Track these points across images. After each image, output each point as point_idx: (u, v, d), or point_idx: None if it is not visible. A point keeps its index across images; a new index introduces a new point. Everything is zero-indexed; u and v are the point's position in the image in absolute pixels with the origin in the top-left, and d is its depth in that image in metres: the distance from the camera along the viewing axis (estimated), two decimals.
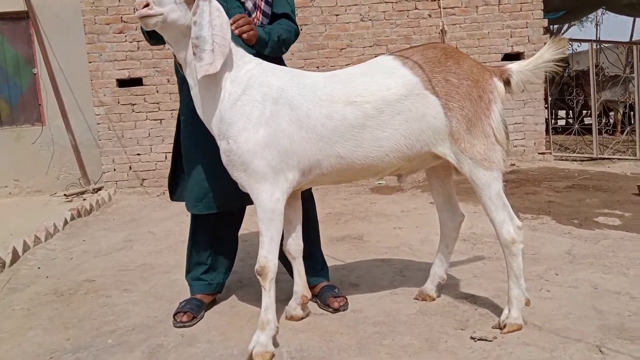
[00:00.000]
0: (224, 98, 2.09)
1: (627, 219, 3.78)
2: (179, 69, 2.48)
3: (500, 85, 2.19)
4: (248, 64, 2.15)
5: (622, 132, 8.30)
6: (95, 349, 2.26)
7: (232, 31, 2.18)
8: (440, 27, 6.69)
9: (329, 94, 2.09)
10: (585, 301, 2.41)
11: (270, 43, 2.40)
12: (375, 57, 6.46)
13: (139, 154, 6.47)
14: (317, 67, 6.62)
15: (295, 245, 2.38)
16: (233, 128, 2.05)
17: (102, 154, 6.47)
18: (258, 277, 2.12)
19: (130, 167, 6.48)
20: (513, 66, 2.24)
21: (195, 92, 2.15)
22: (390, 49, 6.70)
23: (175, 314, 2.46)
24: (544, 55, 2.19)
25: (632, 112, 8.98)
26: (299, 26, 2.61)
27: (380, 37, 6.70)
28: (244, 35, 2.29)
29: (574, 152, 7.26)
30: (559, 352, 1.97)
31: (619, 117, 8.88)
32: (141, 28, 2.44)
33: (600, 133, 7.23)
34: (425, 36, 6.74)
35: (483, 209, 2.19)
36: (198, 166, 2.51)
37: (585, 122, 8.15)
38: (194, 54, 2.02)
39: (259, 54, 2.34)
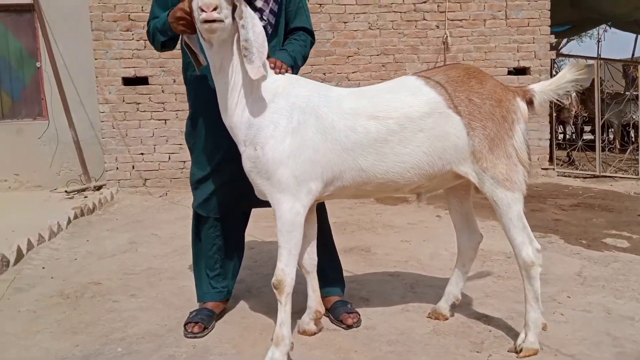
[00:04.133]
0: (253, 104, 2.08)
1: (635, 241, 3.78)
2: (189, 70, 2.46)
3: (523, 105, 2.19)
4: (274, 74, 2.15)
5: (621, 150, 8.35)
6: (105, 357, 2.23)
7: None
8: (444, 39, 6.70)
9: (353, 107, 2.10)
10: (600, 326, 2.40)
11: (296, 67, 2.43)
12: (383, 66, 6.48)
13: (142, 154, 6.44)
14: (324, 74, 6.61)
15: (310, 260, 2.37)
16: (261, 135, 2.05)
17: (105, 152, 6.42)
18: (274, 290, 2.10)
19: (133, 167, 6.43)
20: (536, 86, 2.24)
21: (224, 97, 2.13)
22: (397, 58, 6.71)
23: (186, 324, 2.43)
24: (565, 76, 2.19)
25: (633, 130, 9.06)
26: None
27: (388, 46, 6.70)
28: None
29: (577, 168, 7.28)
30: None
31: (618, 135, 8.96)
32: (149, 32, 2.41)
33: (602, 150, 7.25)
34: (432, 47, 6.75)
35: (502, 230, 2.18)
36: (207, 168, 2.50)
37: (585, 138, 8.18)
38: (245, 56, 1.99)
39: None
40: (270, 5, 2.38)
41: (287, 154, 2.03)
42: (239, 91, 2.10)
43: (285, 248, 2.08)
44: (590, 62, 7.18)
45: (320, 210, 2.54)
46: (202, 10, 1.89)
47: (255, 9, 2.33)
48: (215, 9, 1.88)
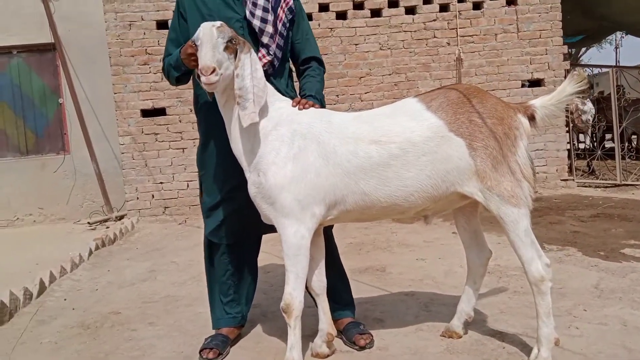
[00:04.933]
0: (256, 133, 2.16)
1: None
2: (200, 100, 2.54)
3: (525, 121, 2.21)
4: (279, 102, 2.24)
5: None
6: None
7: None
8: (457, 55, 6.73)
9: (355, 132, 2.14)
10: (615, 339, 2.37)
11: (323, 103, 2.50)
12: (395, 85, 6.51)
13: (161, 183, 6.57)
14: (337, 96, 6.69)
15: (319, 282, 2.39)
16: (263, 161, 2.12)
17: (125, 182, 6.57)
18: (283, 314, 2.14)
19: (153, 196, 6.56)
20: (537, 102, 2.25)
21: (230, 128, 2.23)
22: (409, 77, 6.76)
23: (201, 351, 2.46)
24: (566, 89, 2.19)
25: None
26: None
27: (399, 65, 6.76)
28: None
29: (597, 178, 7.18)
30: None
31: None
32: (164, 69, 2.52)
33: (623, 158, 7.13)
34: (444, 64, 6.79)
35: (511, 246, 2.18)
36: (215, 196, 2.56)
37: (607, 147, 8.07)
38: (238, 103, 2.11)
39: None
40: (277, 40, 2.46)
41: (289, 179, 2.08)
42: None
43: (292, 272, 2.12)
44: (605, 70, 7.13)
45: (327, 234, 2.57)
46: (202, 73, 2.01)
47: (262, 44, 2.42)
48: (213, 72, 2.00)
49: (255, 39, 2.43)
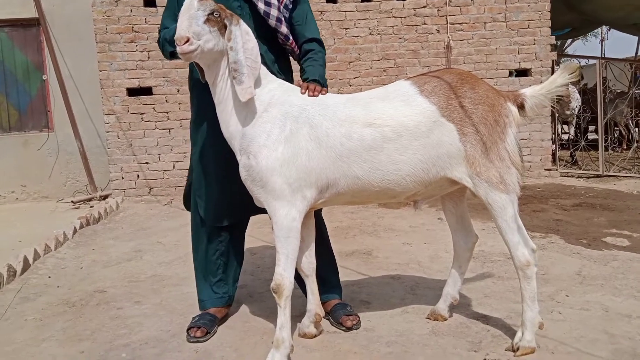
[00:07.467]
0: (247, 115, 2.13)
1: (635, 240, 3.79)
2: (194, 75, 2.52)
3: (514, 109, 2.22)
4: (271, 83, 2.21)
5: (627, 148, 8.34)
6: None
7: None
8: (446, 43, 6.74)
9: (348, 114, 2.13)
10: (597, 324, 2.42)
11: (326, 86, 2.45)
12: (384, 70, 6.46)
13: (147, 163, 6.51)
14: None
15: (308, 264, 2.41)
16: (254, 144, 2.09)
17: (110, 162, 6.50)
18: (274, 294, 2.15)
19: (138, 176, 6.50)
20: (527, 91, 2.27)
21: (220, 109, 2.20)
22: (398, 63, 6.76)
23: (188, 329, 2.47)
24: (556, 80, 2.22)
25: (637, 129, 9.04)
26: None
27: (389, 51, 6.75)
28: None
29: (580, 168, 7.28)
30: None
31: (630, 131, 8.93)
32: (159, 43, 2.50)
33: (606, 150, 7.24)
34: (433, 51, 6.79)
35: (498, 231, 2.21)
36: (208, 176, 2.55)
37: (590, 138, 8.18)
38: (234, 77, 2.08)
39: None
40: (284, 23, 2.46)
41: (280, 162, 2.08)
42: (233, 102, 2.15)
43: (282, 253, 2.13)
44: (593, 61, 7.18)
45: (317, 217, 2.58)
46: (177, 44, 2.01)
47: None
48: (187, 41, 1.99)
49: (257, 22, 2.41)
